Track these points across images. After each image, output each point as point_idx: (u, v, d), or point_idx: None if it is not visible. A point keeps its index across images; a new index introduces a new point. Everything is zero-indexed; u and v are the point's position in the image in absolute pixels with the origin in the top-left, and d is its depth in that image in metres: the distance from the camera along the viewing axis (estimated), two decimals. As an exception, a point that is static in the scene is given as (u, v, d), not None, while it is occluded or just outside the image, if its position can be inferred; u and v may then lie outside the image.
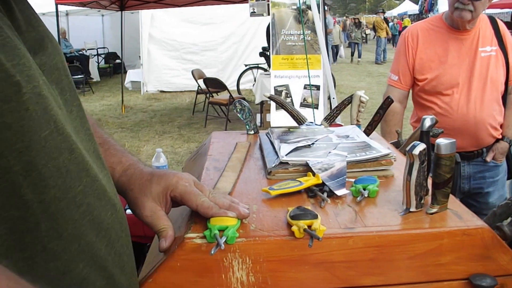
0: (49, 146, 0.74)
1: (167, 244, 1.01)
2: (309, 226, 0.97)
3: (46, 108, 0.74)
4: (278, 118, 5.37)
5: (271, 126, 5.21)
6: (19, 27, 0.79)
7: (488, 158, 3.09)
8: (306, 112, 5.51)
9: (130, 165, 1.13)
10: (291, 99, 5.74)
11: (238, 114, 1.78)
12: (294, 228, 0.97)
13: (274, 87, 5.77)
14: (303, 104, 5.72)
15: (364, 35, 24.92)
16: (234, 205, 1.05)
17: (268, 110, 8.32)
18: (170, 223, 1.04)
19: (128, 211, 3.49)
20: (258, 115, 10.40)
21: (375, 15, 29.26)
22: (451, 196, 1.13)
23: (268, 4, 6.07)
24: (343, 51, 24.29)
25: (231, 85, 12.53)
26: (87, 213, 0.83)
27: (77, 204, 0.80)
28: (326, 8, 11.91)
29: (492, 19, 3.10)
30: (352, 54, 24.14)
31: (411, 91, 3.27)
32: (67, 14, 18.77)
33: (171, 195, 1.06)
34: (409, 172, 1.08)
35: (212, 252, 0.94)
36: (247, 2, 6.74)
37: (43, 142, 0.73)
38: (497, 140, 3.08)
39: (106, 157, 1.11)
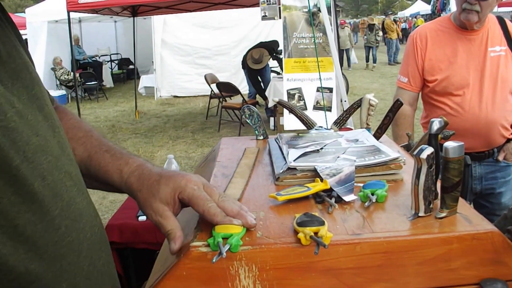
0: (20, 175, 0.78)
1: (176, 246, 0.99)
2: (316, 233, 0.96)
3: (14, 140, 0.78)
4: (292, 121, 5.36)
5: (285, 129, 5.21)
6: (1, 57, 0.86)
7: (500, 158, 3.06)
8: (319, 115, 5.49)
9: (137, 166, 1.13)
10: (304, 102, 5.73)
11: (247, 120, 1.78)
12: (301, 235, 0.96)
13: (287, 91, 5.76)
14: (316, 107, 5.70)
15: (378, 38, 24.35)
16: (242, 213, 1.03)
17: (282, 114, 8.32)
18: (177, 223, 1.03)
19: (141, 218, 3.51)
20: (272, 119, 10.42)
21: (384, 17, 28.97)
22: (460, 199, 1.11)
23: (279, 8, 6.06)
24: (355, 57, 23.80)
25: (244, 89, 12.53)
26: (66, 235, 0.87)
27: (55, 227, 0.84)
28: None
29: (500, 19, 3.07)
30: (367, 59, 23.42)
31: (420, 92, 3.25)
32: (79, 21, 18.91)
33: (179, 197, 1.04)
34: (417, 177, 1.07)
35: (214, 260, 0.93)
36: (259, 6, 6.74)
37: (15, 171, 0.77)
38: (508, 140, 3.05)
39: (113, 160, 1.14)
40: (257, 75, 11.48)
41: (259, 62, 11.04)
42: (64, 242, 0.86)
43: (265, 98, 11.39)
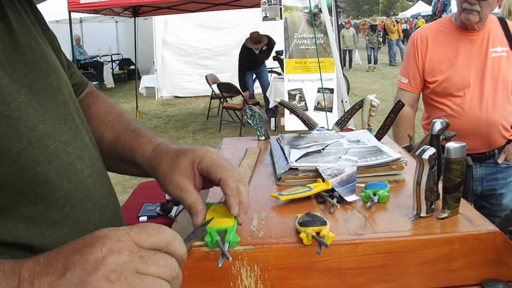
0: (23, 160, 0.84)
1: (199, 220, 0.99)
2: (318, 233, 0.96)
3: (17, 128, 0.85)
4: (293, 121, 5.36)
5: (286, 129, 5.21)
6: (17, 48, 0.94)
7: (500, 160, 3.05)
8: (320, 116, 5.49)
9: (159, 144, 1.14)
10: (305, 103, 5.73)
11: (249, 120, 1.78)
12: (303, 235, 0.96)
13: (288, 91, 5.76)
14: (317, 108, 5.70)
15: (380, 39, 24.11)
16: (246, 207, 1.01)
17: (283, 114, 8.32)
18: (198, 196, 1.02)
19: (141, 219, 3.50)
20: (273, 119, 10.42)
21: (385, 17, 28.85)
22: (462, 200, 1.11)
23: (281, 8, 6.06)
24: (359, 57, 23.63)
25: (244, 89, 12.54)
26: (71, 214, 0.92)
27: (59, 207, 0.90)
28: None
29: (502, 20, 3.06)
30: (369, 59, 23.00)
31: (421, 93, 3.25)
32: (81, 21, 18.91)
33: (198, 167, 1.03)
34: (419, 177, 1.07)
35: (219, 265, 0.90)
36: (260, 7, 6.74)
37: (17, 156, 0.84)
38: (509, 141, 3.04)
39: (137, 139, 1.17)
40: (248, 61, 11.55)
41: (258, 42, 11.09)
42: (68, 221, 0.90)
43: (244, 90, 11.52)
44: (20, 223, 0.84)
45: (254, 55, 11.45)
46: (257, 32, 11.12)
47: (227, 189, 0.99)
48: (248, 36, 11.48)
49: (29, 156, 0.86)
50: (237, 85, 11.34)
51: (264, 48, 11.49)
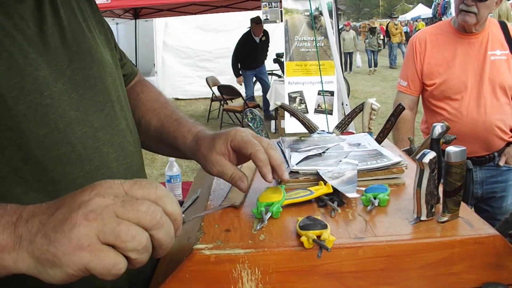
0: (48, 142, 0.96)
1: (245, 183, 1.16)
2: (318, 237, 0.96)
3: (46, 113, 0.97)
4: (293, 124, 5.37)
5: (286, 132, 5.21)
6: (64, 43, 1.08)
7: (501, 163, 3.05)
8: (320, 118, 5.50)
9: (198, 131, 1.31)
10: (305, 106, 5.73)
11: (250, 123, 1.78)
12: (303, 238, 0.97)
13: (288, 94, 5.77)
14: (318, 110, 5.71)
15: (380, 42, 23.89)
16: (283, 166, 1.16)
17: (283, 117, 8.33)
18: (235, 167, 1.18)
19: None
20: (273, 122, 10.41)
21: (389, 19, 28.73)
22: (462, 204, 1.11)
23: (281, 11, 6.07)
24: (360, 60, 23.44)
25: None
26: None
27: (78, 186, 0.96)
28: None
29: (502, 24, 3.07)
30: (370, 63, 22.65)
31: (421, 96, 3.25)
32: (82, 23, 18.87)
33: (231, 145, 1.17)
34: (419, 181, 1.07)
35: (258, 228, 1.05)
36: (260, 9, 6.75)
37: (42, 138, 0.95)
38: (508, 144, 3.04)
39: (179, 128, 1.34)
40: (247, 50, 11.72)
41: (260, 22, 11.14)
42: None
43: (237, 75, 11.87)
44: (42, 195, 0.94)
45: (254, 43, 11.48)
46: (258, 16, 11.18)
47: (257, 161, 1.13)
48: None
49: (54, 139, 0.97)
50: (237, 86, 11.36)
51: (263, 39, 11.55)
